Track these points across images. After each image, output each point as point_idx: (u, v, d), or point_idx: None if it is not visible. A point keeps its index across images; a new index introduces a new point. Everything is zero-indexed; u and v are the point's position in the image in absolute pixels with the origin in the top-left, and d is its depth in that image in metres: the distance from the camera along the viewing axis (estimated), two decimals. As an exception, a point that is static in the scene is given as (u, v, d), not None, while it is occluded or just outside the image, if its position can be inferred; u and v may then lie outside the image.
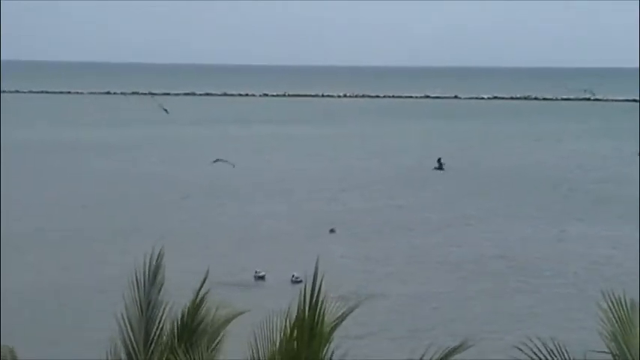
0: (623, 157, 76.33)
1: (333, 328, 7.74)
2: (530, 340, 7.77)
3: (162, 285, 8.74)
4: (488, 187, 58.93)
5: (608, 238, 42.96)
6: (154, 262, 8.81)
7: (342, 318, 7.89)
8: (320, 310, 7.55)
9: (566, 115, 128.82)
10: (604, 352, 8.01)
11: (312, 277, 7.62)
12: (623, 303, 8.11)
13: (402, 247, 40.53)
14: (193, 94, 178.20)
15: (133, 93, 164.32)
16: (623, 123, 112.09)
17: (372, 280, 34.21)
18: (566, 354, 7.91)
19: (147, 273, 8.74)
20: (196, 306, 8.69)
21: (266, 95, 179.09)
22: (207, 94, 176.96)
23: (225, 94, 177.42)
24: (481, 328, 27.91)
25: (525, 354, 7.73)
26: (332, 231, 43.57)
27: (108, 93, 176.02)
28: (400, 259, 38.27)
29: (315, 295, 7.55)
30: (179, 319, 8.60)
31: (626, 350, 7.95)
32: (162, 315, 8.63)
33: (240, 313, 8.97)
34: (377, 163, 70.61)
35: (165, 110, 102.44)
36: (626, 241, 42.05)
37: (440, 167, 66.85)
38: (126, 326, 8.57)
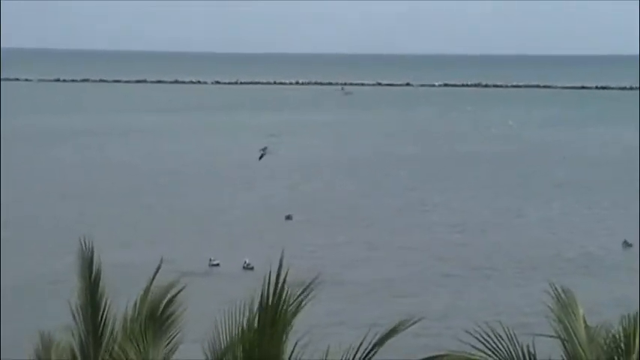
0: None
1: (292, 316, 7.80)
2: (479, 325, 7.90)
3: (100, 273, 8.73)
4: (447, 172, 59.45)
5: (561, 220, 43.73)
6: (89, 252, 8.80)
7: (300, 305, 7.94)
8: (281, 297, 7.60)
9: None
10: (552, 336, 8.20)
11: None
12: (566, 290, 8.41)
13: (359, 233, 40.69)
14: (145, 81, 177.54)
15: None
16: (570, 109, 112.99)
17: (329, 265, 34.31)
18: (514, 338, 8.06)
19: (86, 263, 8.74)
20: (148, 295, 8.71)
21: (218, 83, 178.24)
22: (159, 82, 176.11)
23: (176, 82, 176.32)
24: (439, 312, 28.18)
25: (475, 338, 7.86)
26: (288, 218, 43.62)
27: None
28: (358, 245, 38.44)
29: (275, 282, 7.61)
30: (132, 307, 8.62)
31: (572, 334, 8.17)
32: (106, 304, 8.67)
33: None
34: (336, 151, 70.78)
35: None
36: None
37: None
38: (76, 315, 8.62)
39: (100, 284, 8.72)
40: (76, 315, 8.68)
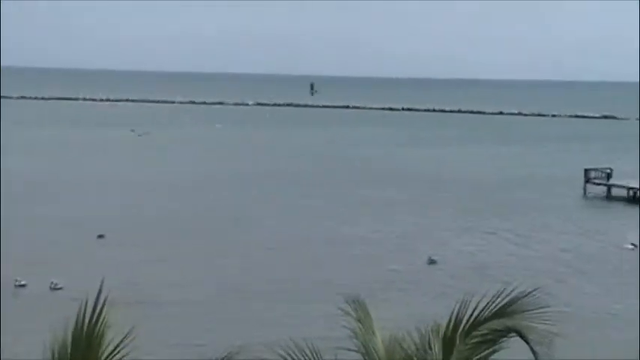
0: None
1: (101, 335, 7.82)
2: (285, 341, 8.21)
3: None
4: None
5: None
6: None
7: (105, 325, 7.97)
8: (95, 318, 7.62)
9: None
10: (351, 349, 8.61)
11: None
12: (361, 304, 8.86)
13: (173, 251, 40.51)
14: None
15: None
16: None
17: (144, 285, 34.00)
18: (318, 354, 8.44)
19: None
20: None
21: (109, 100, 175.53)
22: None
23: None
24: (242, 333, 28.46)
25: (280, 355, 8.16)
26: (100, 237, 42.88)
27: None
28: (172, 262, 38.28)
29: (92, 304, 7.63)
30: None
31: (371, 348, 8.62)
32: None
33: None
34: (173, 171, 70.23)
35: None
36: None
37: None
38: None
39: None
40: None
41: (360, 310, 9.23)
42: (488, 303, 8.77)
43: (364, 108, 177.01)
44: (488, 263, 39.64)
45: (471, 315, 8.73)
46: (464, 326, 8.71)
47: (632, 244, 43.64)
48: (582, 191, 61.97)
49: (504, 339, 8.72)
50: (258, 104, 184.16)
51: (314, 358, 8.55)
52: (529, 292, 8.76)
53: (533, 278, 36.33)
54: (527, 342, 8.49)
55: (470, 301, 8.83)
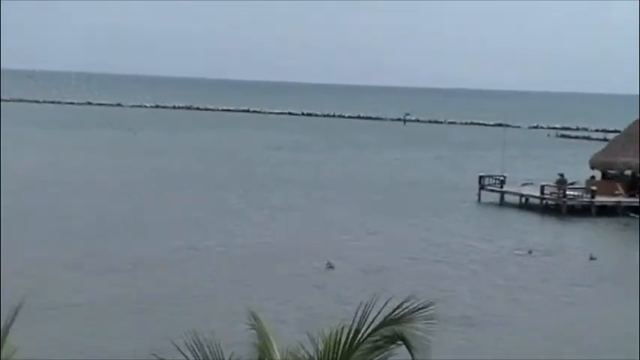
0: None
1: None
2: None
3: None
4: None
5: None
6: None
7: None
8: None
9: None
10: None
11: None
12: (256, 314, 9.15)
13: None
14: None
15: None
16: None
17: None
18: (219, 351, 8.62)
19: None
20: None
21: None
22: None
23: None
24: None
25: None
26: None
27: None
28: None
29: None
30: None
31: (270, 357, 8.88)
32: None
33: None
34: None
35: None
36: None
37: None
38: None
39: None
40: None
41: (256, 320, 9.36)
42: (380, 310, 8.98)
43: (263, 112, 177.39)
44: (386, 267, 40.17)
45: (363, 322, 8.92)
46: (355, 333, 8.88)
47: (527, 250, 44.80)
48: (477, 197, 63.33)
49: (394, 345, 8.92)
50: (157, 106, 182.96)
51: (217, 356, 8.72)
52: (422, 301, 9.01)
53: (428, 282, 37.08)
54: (409, 349, 8.73)
55: (364, 308, 9.04)
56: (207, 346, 8.66)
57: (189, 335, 8.86)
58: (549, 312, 33.69)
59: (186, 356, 8.59)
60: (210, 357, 8.64)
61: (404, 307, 8.95)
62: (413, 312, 8.93)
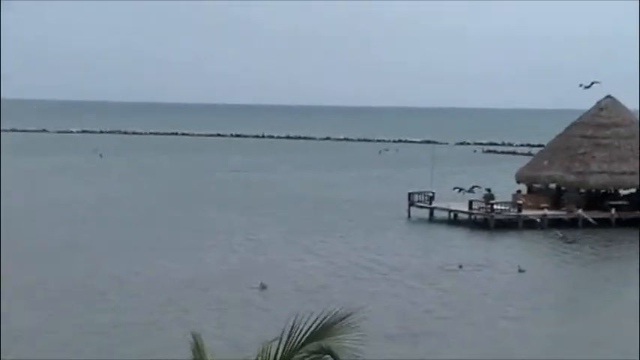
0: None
1: None
2: None
3: None
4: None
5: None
6: None
7: None
8: None
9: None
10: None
11: None
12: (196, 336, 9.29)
13: None
14: None
15: None
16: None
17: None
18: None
19: None
20: None
21: None
22: None
23: None
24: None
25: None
26: None
27: None
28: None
29: None
30: None
31: None
32: None
33: None
34: None
35: None
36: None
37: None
38: None
39: None
40: None
41: (196, 340, 9.44)
42: (308, 326, 9.15)
43: (192, 135, 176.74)
44: (320, 285, 40.37)
45: (291, 339, 9.10)
46: (284, 351, 9.06)
47: (457, 265, 45.40)
48: (407, 214, 63.97)
49: None
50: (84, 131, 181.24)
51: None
52: (345, 315, 9.18)
53: (362, 299, 37.39)
54: None
55: (293, 325, 9.23)
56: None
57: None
58: (482, 324, 34.23)
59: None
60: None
61: (325, 319, 9.12)
62: (334, 323, 9.10)
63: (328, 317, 9.18)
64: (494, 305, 37.53)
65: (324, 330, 9.12)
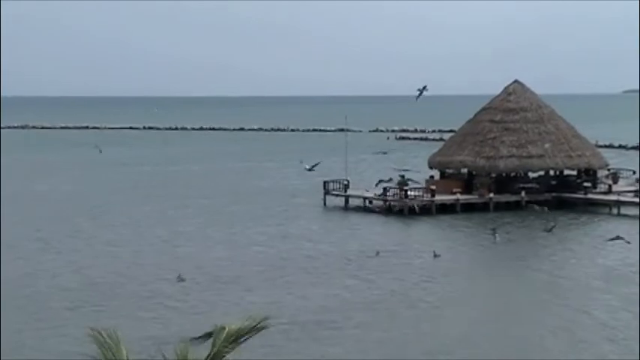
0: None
1: None
2: None
3: None
4: None
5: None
6: None
7: None
8: None
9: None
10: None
11: None
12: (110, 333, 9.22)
13: None
14: None
15: None
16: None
17: None
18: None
19: None
20: None
21: None
22: None
23: None
24: None
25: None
26: None
27: None
28: None
29: None
30: None
31: None
32: None
33: None
34: None
35: None
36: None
37: None
38: None
39: None
40: None
41: (108, 337, 9.27)
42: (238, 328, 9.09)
43: (101, 128, 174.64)
44: (236, 276, 40.29)
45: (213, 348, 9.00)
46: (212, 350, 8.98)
47: (374, 252, 45.76)
48: (322, 202, 64.29)
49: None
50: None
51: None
52: (257, 322, 9.17)
53: (278, 289, 37.52)
54: None
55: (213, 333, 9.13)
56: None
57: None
58: (403, 311, 34.57)
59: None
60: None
61: (239, 333, 9.09)
62: (249, 334, 9.10)
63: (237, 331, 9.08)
64: (413, 290, 37.95)
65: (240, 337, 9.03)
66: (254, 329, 9.20)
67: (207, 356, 9.03)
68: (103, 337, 9.18)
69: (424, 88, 51.82)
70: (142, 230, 53.33)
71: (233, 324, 9.21)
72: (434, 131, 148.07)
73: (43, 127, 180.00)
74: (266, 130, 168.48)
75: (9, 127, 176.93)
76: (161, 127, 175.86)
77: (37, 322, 32.75)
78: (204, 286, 38.51)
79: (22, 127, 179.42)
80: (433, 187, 61.70)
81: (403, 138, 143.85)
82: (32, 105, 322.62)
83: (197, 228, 54.08)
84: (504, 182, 63.93)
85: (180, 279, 39.37)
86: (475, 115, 68.94)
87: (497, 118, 66.71)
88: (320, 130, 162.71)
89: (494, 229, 50.34)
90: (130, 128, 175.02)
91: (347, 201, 63.97)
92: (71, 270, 42.03)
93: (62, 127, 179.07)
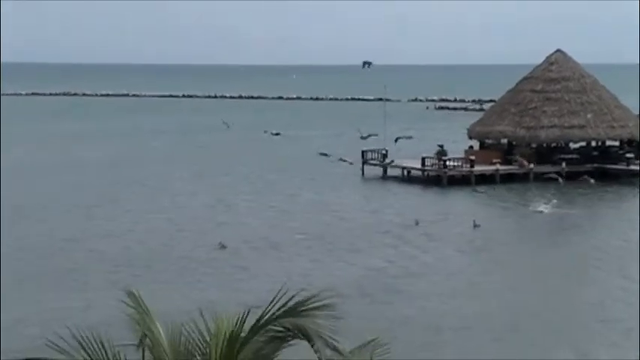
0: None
1: None
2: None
3: None
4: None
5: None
6: None
7: None
8: None
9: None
10: (132, 344, 9.00)
11: None
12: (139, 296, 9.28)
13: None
14: None
15: None
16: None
17: None
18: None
19: None
20: None
21: None
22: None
23: None
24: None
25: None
26: None
27: None
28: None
29: None
30: None
31: (155, 339, 9.02)
32: None
33: None
34: None
35: None
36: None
37: None
38: None
39: None
40: None
41: (138, 301, 9.24)
42: (285, 301, 8.77)
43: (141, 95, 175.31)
44: (278, 244, 40.55)
45: (264, 311, 8.75)
46: (256, 321, 8.77)
47: (414, 221, 45.67)
48: (360, 172, 64.23)
49: (293, 338, 8.76)
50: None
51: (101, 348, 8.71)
52: (325, 299, 8.76)
53: (321, 258, 37.73)
54: (310, 343, 8.50)
55: (273, 299, 8.83)
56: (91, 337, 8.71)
57: (72, 328, 8.87)
58: (444, 280, 34.59)
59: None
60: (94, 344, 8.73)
61: (306, 303, 8.76)
62: (314, 309, 8.74)
63: (307, 299, 8.80)
64: (455, 259, 37.96)
65: (298, 307, 8.75)
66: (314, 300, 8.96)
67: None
68: (136, 299, 9.23)
69: (369, 64, 54.12)
70: (182, 199, 53.61)
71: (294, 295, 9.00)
72: (474, 101, 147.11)
73: (84, 94, 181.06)
74: (304, 98, 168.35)
75: (51, 94, 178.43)
76: (200, 94, 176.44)
77: (80, 286, 33.20)
78: (246, 254, 38.77)
79: (64, 94, 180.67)
80: (472, 158, 61.41)
81: (442, 108, 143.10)
82: (72, 72, 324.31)
83: (240, 195, 54.29)
84: (545, 153, 63.47)
85: (222, 246, 39.69)
86: (516, 85, 68.38)
87: (539, 87, 66.12)
88: (358, 99, 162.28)
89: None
90: (170, 96, 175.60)
91: (385, 171, 63.89)
92: (113, 236, 42.46)
93: (103, 95, 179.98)
